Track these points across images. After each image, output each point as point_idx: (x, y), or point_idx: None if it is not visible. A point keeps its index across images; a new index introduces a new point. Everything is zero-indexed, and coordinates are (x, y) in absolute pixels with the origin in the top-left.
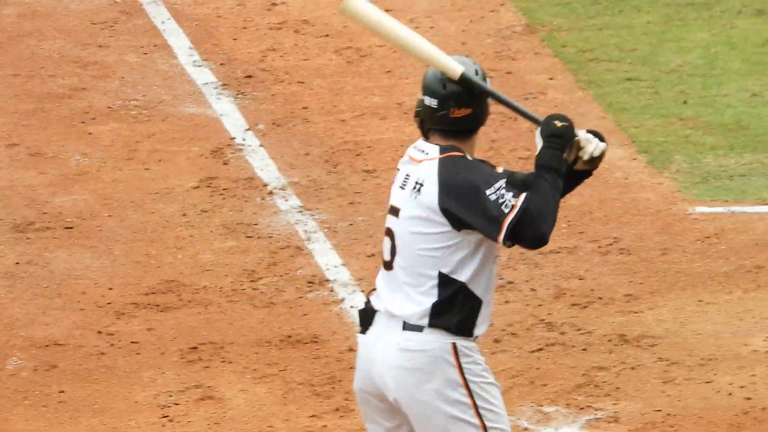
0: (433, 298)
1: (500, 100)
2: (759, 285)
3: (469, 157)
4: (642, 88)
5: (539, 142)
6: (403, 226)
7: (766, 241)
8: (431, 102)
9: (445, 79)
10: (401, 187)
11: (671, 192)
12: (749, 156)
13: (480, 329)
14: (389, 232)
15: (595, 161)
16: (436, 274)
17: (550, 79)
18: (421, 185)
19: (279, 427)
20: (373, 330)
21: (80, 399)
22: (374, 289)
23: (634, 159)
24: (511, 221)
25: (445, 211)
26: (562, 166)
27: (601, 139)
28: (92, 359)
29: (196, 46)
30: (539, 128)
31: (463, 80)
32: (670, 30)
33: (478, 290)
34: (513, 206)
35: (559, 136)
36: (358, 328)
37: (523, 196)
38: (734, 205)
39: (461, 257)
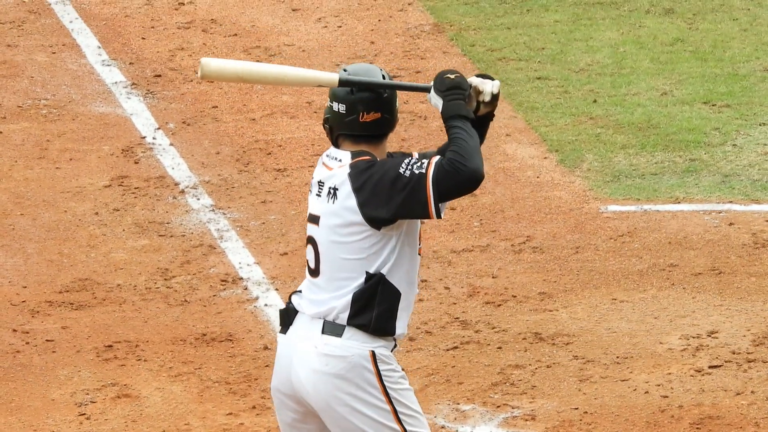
0: (354, 292)
1: (385, 86)
2: (673, 283)
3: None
4: (552, 87)
5: (438, 103)
6: (325, 234)
7: (678, 239)
8: (339, 107)
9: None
10: (317, 194)
11: (583, 190)
12: (660, 155)
13: (399, 327)
14: (311, 240)
15: (494, 101)
16: (360, 275)
17: None
18: (336, 190)
19: (196, 425)
20: (293, 330)
21: None
22: (297, 291)
23: (546, 158)
24: (432, 177)
25: (364, 211)
26: (469, 113)
27: (491, 79)
28: (8, 357)
29: (105, 45)
30: (432, 89)
31: (344, 83)
32: (579, 29)
33: (400, 284)
34: (428, 165)
35: (457, 87)
36: (279, 328)
37: (435, 158)
38: (646, 204)
39: (384, 255)
